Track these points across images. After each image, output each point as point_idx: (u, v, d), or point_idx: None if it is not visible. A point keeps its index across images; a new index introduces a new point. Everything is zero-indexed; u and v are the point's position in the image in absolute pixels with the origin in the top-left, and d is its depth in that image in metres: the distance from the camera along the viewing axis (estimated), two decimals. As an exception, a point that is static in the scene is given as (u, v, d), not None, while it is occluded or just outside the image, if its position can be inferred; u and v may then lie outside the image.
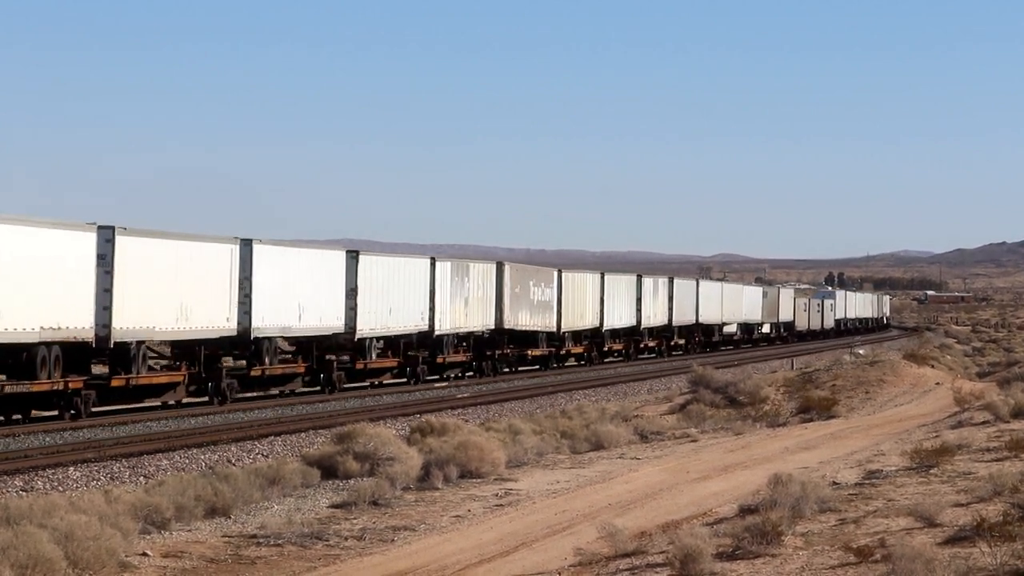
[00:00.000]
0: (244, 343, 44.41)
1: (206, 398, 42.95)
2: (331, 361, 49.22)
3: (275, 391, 47.23)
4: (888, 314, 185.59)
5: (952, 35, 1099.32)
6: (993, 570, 13.42)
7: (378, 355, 53.38)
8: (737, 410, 44.65)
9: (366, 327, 50.74)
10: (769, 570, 15.17)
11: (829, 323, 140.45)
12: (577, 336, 74.74)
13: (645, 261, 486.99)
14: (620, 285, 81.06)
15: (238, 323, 43.57)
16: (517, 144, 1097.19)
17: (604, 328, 77.89)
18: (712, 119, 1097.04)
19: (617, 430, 35.60)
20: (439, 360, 56.92)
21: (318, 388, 49.06)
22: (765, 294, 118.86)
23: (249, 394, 45.55)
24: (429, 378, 56.23)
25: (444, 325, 56.68)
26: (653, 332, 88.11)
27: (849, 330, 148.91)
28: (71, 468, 27.88)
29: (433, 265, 56.18)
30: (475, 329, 60.48)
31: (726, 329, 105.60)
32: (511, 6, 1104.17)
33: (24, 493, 24.56)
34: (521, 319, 65.14)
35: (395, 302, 52.94)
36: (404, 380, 54.55)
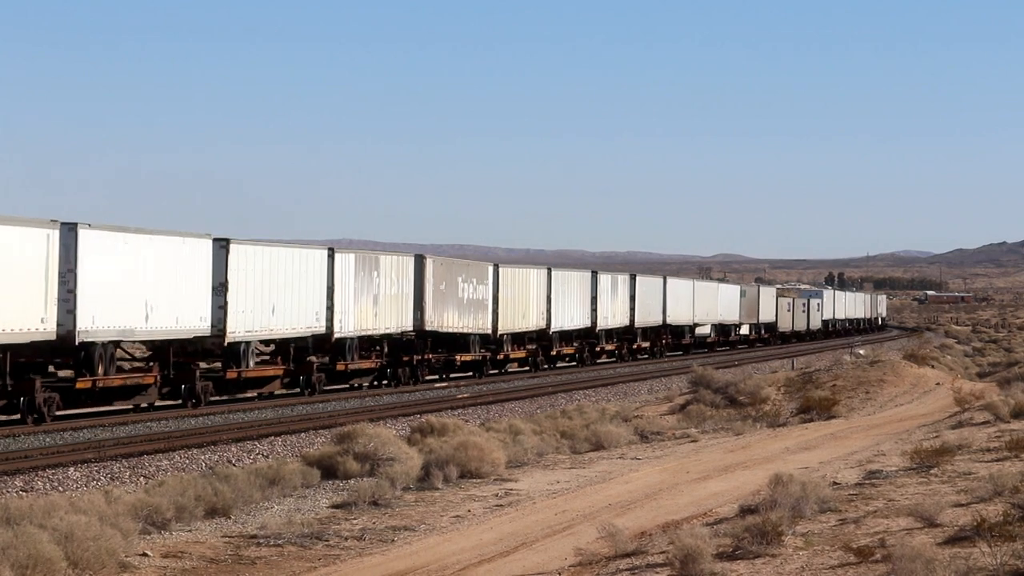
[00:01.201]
0: (68, 349, 36.57)
1: (18, 416, 35.37)
2: (194, 370, 41.74)
3: (126, 406, 39.90)
4: (884, 315, 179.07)
5: (952, 35, 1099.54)
6: (993, 570, 13.42)
7: (262, 362, 46.31)
8: (737, 410, 44.64)
9: (240, 329, 43.34)
10: (769, 570, 15.17)
11: (816, 324, 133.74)
12: (519, 339, 66.89)
13: (645, 261, 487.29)
14: (571, 283, 73.20)
15: (58, 324, 35.52)
16: (517, 144, 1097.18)
17: (552, 330, 69.63)
18: (712, 118, 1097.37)
19: (617, 430, 35.62)
20: (340, 367, 49.71)
21: (179, 401, 41.64)
22: (743, 293, 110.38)
23: (79, 410, 38.34)
24: (328, 388, 49.21)
25: (347, 327, 49.57)
26: (612, 334, 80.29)
27: (838, 331, 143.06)
28: (71, 468, 27.88)
29: (332, 257, 48.75)
30: (389, 331, 53.01)
31: (699, 331, 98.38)
32: (511, 5, 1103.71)
33: (24, 493, 24.56)
34: (447, 320, 57.57)
35: (281, 300, 45.45)
36: (297, 391, 47.49)
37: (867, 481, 22.35)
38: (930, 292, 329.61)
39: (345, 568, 18.33)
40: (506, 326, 64.03)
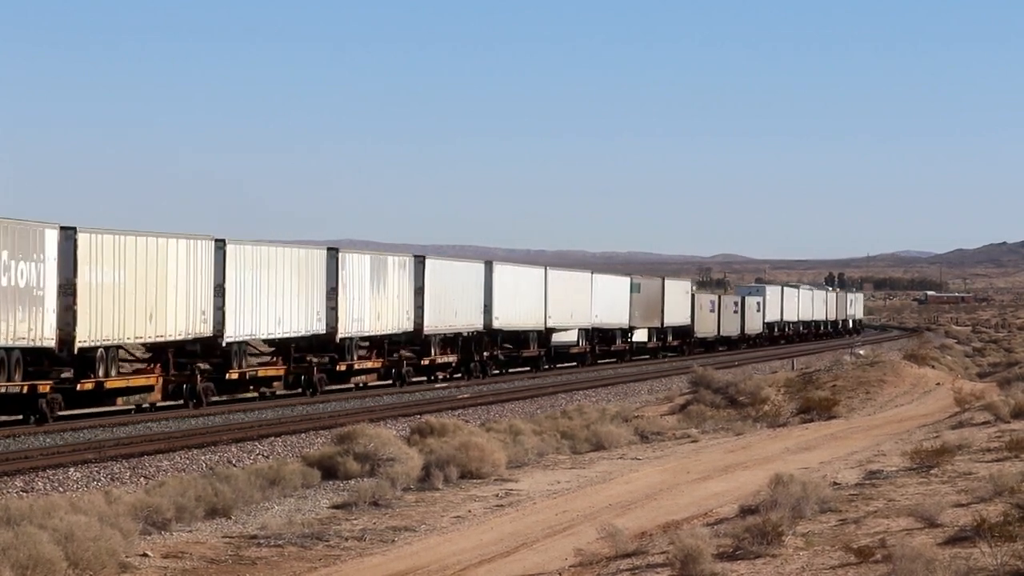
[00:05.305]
0: None
1: None
2: None
3: None
4: (859, 316, 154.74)
5: (952, 35, 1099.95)
6: (993, 570, 13.42)
7: None
8: (737, 410, 44.68)
9: None
10: (769, 570, 15.17)
11: (754, 327, 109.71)
12: (158, 353, 41.96)
13: (645, 261, 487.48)
14: (279, 265, 47.22)
15: None
16: (517, 144, 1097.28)
17: (227, 339, 43.98)
18: (711, 118, 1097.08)
19: (617, 430, 35.65)
20: None
21: None
22: (637, 288, 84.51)
23: None
24: None
25: None
26: (379, 344, 54.48)
27: (789, 337, 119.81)
28: (71, 469, 27.90)
29: None
30: None
31: (560, 338, 72.90)
32: (511, 5, 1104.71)
33: (24, 494, 24.59)
34: None
35: None
36: None
37: (867, 481, 22.35)
38: (930, 292, 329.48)
39: (346, 568, 18.34)
40: (103, 334, 38.37)
